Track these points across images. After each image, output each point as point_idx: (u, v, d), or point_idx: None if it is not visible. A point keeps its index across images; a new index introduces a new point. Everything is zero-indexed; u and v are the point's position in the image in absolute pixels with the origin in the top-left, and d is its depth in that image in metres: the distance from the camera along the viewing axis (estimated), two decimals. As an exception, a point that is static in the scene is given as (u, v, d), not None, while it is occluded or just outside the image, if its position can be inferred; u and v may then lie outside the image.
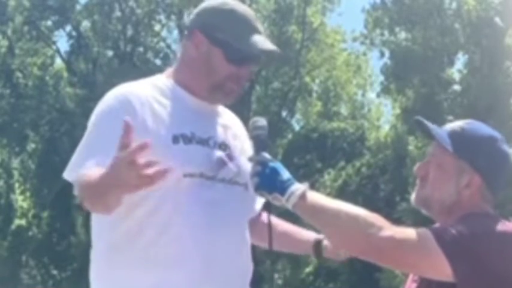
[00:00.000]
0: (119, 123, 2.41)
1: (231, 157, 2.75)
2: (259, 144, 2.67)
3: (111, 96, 2.70)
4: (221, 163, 2.71)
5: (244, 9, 2.77)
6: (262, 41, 2.72)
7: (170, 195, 2.61)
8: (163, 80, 2.80)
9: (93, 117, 2.69)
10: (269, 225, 2.71)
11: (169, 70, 2.84)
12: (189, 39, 2.77)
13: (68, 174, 2.66)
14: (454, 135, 2.66)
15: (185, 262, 2.60)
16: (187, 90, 2.75)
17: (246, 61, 2.73)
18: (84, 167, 2.54)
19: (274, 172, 2.59)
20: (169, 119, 2.67)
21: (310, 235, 2.94)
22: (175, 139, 2.64)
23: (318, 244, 2.91)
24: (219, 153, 2.72)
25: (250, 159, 2.66)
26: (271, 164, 2.60)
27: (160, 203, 2.61)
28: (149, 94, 2.69)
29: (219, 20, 2.73)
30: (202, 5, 2.81)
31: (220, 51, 2.71)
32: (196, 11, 2.81)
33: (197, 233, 2.62)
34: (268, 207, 2.70)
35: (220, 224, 2.66)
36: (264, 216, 2.87)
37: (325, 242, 2.88)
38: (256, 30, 2.74)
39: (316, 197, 2.58)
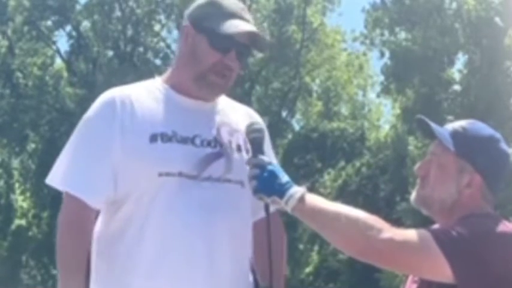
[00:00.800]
0: (102, 132, 2.63)
1: (221, 154, 2.69)
2: (257, 147, 2.64)
3: (97, 102, 2.72)
4: (207, 161, 2.66)
5: (233, 1, 2.77)
6: (241, 24, 2.70)
7: (147, 196, 2.59)
8: (156, 82, 2.79)
9: (80, 124, 2.72)
10: (268, 228, 2.66)
11: (166, 73, 2.84)
12: (181, 35, 2.79)
13: (52, 181, 2.70)
14: (455, 134, 2.66)
15: (161, 266, 2.57)
16: (178, 91, 2.73)
17: (229, 48, 2.69)
18: (76, 186, 2.62)
19: (273, 175, 2.57)
20: (151, 118, 2.66)
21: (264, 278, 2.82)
22: (153, 138, 2.62)
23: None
24: (205, 151, 2.67)
25: (248, 162, 2.63)
26: (269, 167, 2.58)
27: (138, 205, 2.60)
28: (134, 96, 2.69)
29: (204, 9, 2.74)
30: (194, 3, 2.82)
31: (204, 38, 2.70)
32: (188, 8, 2.83)
33: (175, 235, 2.58)
34: (267, 210, 2.65)
35: (205, 224, 2.60)
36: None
37: None
38: (240, 17, 2.72)
39: (315, 200, 2.57)
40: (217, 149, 2.70)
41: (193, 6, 2.80)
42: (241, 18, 2.72)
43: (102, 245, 2.65)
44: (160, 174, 2.59)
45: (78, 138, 2.70)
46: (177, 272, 2.57)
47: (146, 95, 2.71)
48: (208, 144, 2.69)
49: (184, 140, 2.65)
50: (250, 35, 2.72)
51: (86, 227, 2.60)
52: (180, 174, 2.61)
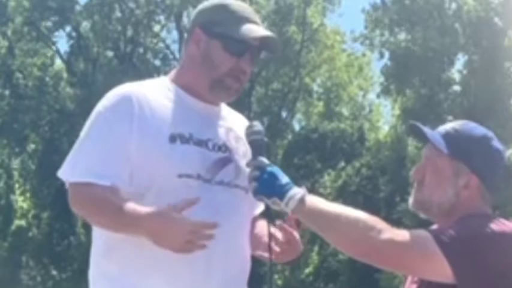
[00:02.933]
0: (117, 125, 2.59)
1: (230, 159, 2.73)
2: (256, 149, 2.65)
3: (111, 96, 2.70)
4: (219, 165, 2.69)
5: (241, 4, 2.79)
6: (256, 28, 2.72)
7: (166, 195, 2.59)
8: (165, 82, 2.79)
9: (92, 117, 2.69)
10: (269, 231, 2.66)
11: (172, 73, 2.84)
12: (189, 39, 2.79)
13: (63, 173, 2.66)
14: (448, 137, 2.66)
15: (181, 265, 2.57)
16: (189, 93, 2.74)
17: (244, 51, 2.72)
18: (87, 174, 2.58)
19: (273, 176, 2.57)
20: (168, 118, 2.66)
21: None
22: (173, 138, 2.63)
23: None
24: (217, 156, 2.70)
25: (248, 164, 2.64)
26: (269, 169, 2.58)
27: (158, 202, 2.58)
28: (149, 94, 2.69)
29: (216, 15, 2.74)
30: (200, 6, 2.83)
31: (219, 44, 2.71)
32: (195, 11, 2.83)
33: None
34: (268, 211, 2.66)
35: (219, 230, 2.58)
36: (258, 223, 2.84)
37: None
38: (252, 22, 2.74)
39: (316, 201, 2.57)
40: (227, 154, 2.73)
41: (200, 11, 2.80)
42: (254, 22, 2.74)
43: (116, 238, 2.62)
44: (180, 176, 2.60)
45: (92, 131, 2.66)
46: (196, 274, 2.59)
47: (160, 94, 2.72)
48: (219, 148, 2.72)
49: (199, 143, 2.67)
50: (262, 38, 2.74)
51: (105, 194, 2.56)
52: (199, 177, 2.63)
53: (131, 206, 2.51)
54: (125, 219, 2.51)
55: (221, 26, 2.71)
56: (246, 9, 2.78)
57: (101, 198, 2.55)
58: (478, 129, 2.70)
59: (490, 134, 2.70)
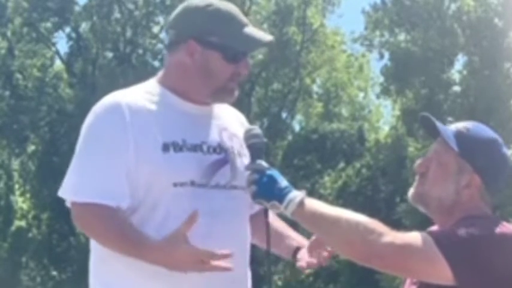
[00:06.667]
0: (114, 137, 2.58)
1: (226, 160, 2.70)
2: (255, 152, 2.64)
3: (100, 108, 2.66)
4: (215, 168, 2.67)
5: (227, 5, 2.74)
6: (257, 33, 2.72)
7: (161, 205, 2.58)
8: (154, 86, 2.75)
9: (85, 131, 2.66)
10: (267, 234, 2.66)
11: (160, 75, 2.79)
12: (179, 45, 2.72)
13: (64, 192, 2.64)
14: (459, 135, 2.66)
15: (180, 273, 2.54)
16: (178, 95, 2.71)
17: (243, 56, 2.71)
18: (91, 194, 2.57)
19: (272, 180, 2.56)
20: (160, 127, 2.63)
21: (293, 242, 2.87)
22: (166, 147, 2.60)
23: (295, 252, 2.85)
24: (212, 158, 2.67)
25: (247, 167, 2.62)
26: (268, 172, 2.58)
27: (152, 213, 2.59)
28: (140, 102, 2.65)
29: (207, 23, 2.69)
30: (186, 8, 2.74)
31: (216, 54, 2.68)
32: (181, 14, 2.75)
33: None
34: (266, 215, 2.66)
35: (215, 234, 2.60)
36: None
37: (300, 253, 2.83)
38: (244, 24, 2.72)
39: (315, 204, 2.56)
40: (222, 155, 2.71)
41: (188, 15, 2.73)
42: (244, 23, 2.72)
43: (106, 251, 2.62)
44: (175, 185, 2.59)
45: (88, 145, 2.63)
46: (195, 282, 2.57)
47: (150, 100, 2.68)
48: (214, 150, 2.70)
49: (194, 148, 2.65)
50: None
51: (111, 217, 2.56)
52: (193, 184, 2.61)
53: (136, 234, 2.52)
54: (130, 248, 2.52)
55: (216, 35, 2.68)
56: (234, 10, 2.73)
57: (107, 223, 2.54)
58: (489, 133, 2.71)
59: (500, 139, 2.71)
